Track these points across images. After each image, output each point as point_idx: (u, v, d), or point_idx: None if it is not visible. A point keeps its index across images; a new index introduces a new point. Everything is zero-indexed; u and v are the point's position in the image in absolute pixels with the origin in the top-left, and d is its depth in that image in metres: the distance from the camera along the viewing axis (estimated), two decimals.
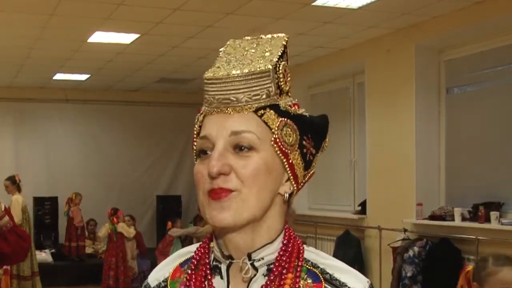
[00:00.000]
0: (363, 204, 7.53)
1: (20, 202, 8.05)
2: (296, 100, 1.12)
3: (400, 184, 6.75)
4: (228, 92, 1.03)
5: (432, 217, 6.33)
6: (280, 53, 1.07)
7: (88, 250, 10.52)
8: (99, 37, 7.07)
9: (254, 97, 1.03)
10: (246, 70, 1.03)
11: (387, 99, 6.99)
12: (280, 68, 1.06)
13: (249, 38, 1.14)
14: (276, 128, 1.04)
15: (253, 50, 1.09)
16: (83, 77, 9.91)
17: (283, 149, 1.05)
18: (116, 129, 11.50)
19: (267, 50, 1.08)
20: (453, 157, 6.56)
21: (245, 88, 1.03)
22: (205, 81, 1.05)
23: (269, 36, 1.12)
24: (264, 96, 1.04)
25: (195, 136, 1.10)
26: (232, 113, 1.04)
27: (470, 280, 2.87)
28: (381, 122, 7.09)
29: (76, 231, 10.08)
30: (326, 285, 1.08)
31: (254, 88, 1.03)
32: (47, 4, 5.80)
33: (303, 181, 1.12)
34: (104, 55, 8.18)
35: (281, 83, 1.07)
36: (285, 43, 1.10)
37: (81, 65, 8.88)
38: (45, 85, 10.67)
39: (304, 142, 1.08)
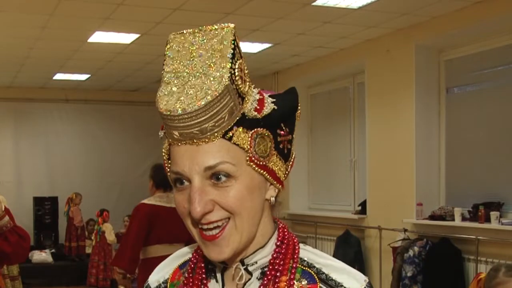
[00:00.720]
0: (363, 204, 7.53)
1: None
2: (258, 90, 1.05)
3: (400, 184, 6.75)
4: (190, 126, 0.96)
5: (432, 217, 6.33)
6: (231, 55, 0.97)
7: (88, 250, 10.52)
8: (99, 37, 7.07)
9: (219, 122, 0.96)
10: (203, 102, 0.94)
11: (387, 99, 6.99)
12: (236, 73, 0.97)
13: (191, 32, 1.04)
14: (248, 147, 0.99)
15: (201, 52, 1.00)
16: (83, 77, 9.91)
17: (260, 163, 1.01)
18: (116, 129, 11.50)
19: (216, 52, 0.99)
20: (453, 157, 6.56)
21: (208, 117, 0.95)
22: (161, 115, 0.97)
23: (214, 27, 1.02)
24: (227, 117, 0.97)
25: (165, 160, 1.05)
26: (200, 144, 0.97)
27: None
28: (381, 122, 7.09)
29: (76, 231, 10.10)
30: (322, 286, 1.06)
31: (216, 113, 0.95)
32: (47, 4, 5.80)
33: (287, 172, 1.09)
34: (104, 55, 8.18)
35: (241, 89, 0.98)
36: (233, 38, 0.99)
37: (81, 65, 8.88)
38: (45, 85, 10.67)
39: (279, 138, 1.04)
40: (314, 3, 5.75)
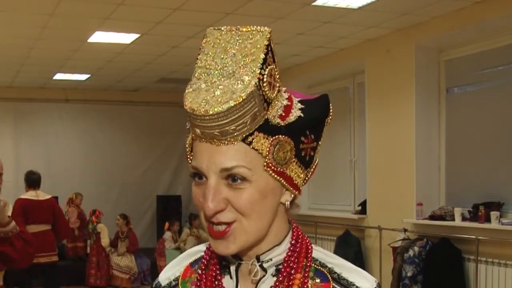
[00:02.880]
0: (363, 204, 7.53)
1: None
2: (287, 95, 1.05)
3: (400, 184, 6.75)
4: (212, 127, 0.97)
5: (432, 217, 6.33)
6: (262, 61, 0.98)
7: (89, 250, 10.53)
8: (99, 37, 7.07)
9: (240, 126, 0.97)
10: (225, 107, 0.95)
11: (387, 99, 6.99)
12: (265, 79, 0.98)
13: (228, 29, 1.04)
14: (267, 153, 1.00)
15: (234, 53, 1.01)
16: (83, 77, 9.91)
17: (277, 170, 1.02)
18: (116, 129, 11.50)
19: (248, 55, 0.99)
20: (453, 157, 6.56)
21: (228, 121, 0.96)
22: (186, 110, 1.00)
23: (251, 28, 1.02)
24: (249, 121, 0.98)
25: (188, 151, 1.07)
26: (219, 144, 0.99)
27: None
28: (381, 122, 7.09)
29: (73, 232, 10.08)
30: (334, 285, 1.08)
31: (239, 117, 0.96)
32: (47, 4, 5.80)
33: (306, 179, 1.10)
34: (104, 55, 8.18)
35: (267, 94, 0.99)
36: (267, 42, 1.00)
37: (81, 65, 8.88)
38: (45, 85, 10.67)
39: (301, 145, 1.05)
40: (314, 3, 5.75)
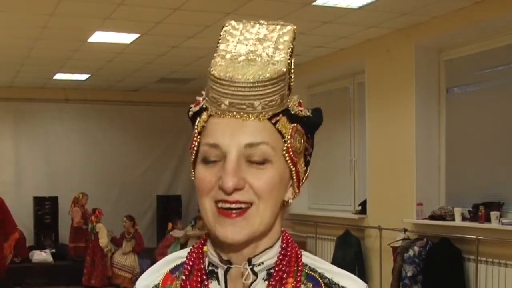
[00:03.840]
0: (363, 204, 7.53)
1: None
2: (297, 96, 1.07)
3: (400, 184, 6.75)
4: (243, 97, 0.95)
5: (432, 217, 6.33)
6: (291, 51, 1.00)
7: None
8: (99, 37, 7.07)
9: (270, 104, 0.96)
10: (268, 75, 0.94)
11: (387, 99, 6.99)
12: (292, 66, 1.01)
13: (250, 22, 1.04)
14: (289, 137, 1.00)
15: (261, 40, 1.01)
16: (83, 77, 9.91)
17: (294, 158, 1.01)
18: (116, 129, 11.50)
19: (280, 43, 1.00)
20: (453, 157, 6.56)
21: (261, 94, 0.95)
22: (213, 78, 0.96)
23: (275, 22, 1.03)
24: (278, 102, 0.97)
25: (195, 135, 1.02)
26: (245, 119, 0.96)
27: None
28: (381, 122, 7.09)
29: (75, 232, 10.10)
30: None
31: (269, 94, 0.96)
32: (47, 4, 5.80)
33: (302, 183, 1.10)
34: (104, 55, 8.18)
35: (292, 83, 1.02)
36: (294, 37, 1.02)
37: (81, 65, 8.88)
38: (45, 85, 10.67)
39: (306, 144, 1.06)
40: (314, 3, 5.75)
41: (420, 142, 6.56)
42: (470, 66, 6.41)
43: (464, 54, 6.43)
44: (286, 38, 1.01)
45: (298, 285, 1.05)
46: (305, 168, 1.07)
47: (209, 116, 1.00)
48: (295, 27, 1.02)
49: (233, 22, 1.04)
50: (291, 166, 1.01)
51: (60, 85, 10.59)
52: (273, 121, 0.99)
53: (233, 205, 0.97)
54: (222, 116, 0.98)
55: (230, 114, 0.97)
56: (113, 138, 11.46)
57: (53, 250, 10.32)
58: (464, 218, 6.05)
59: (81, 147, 11.27)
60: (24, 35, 7.04)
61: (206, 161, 0.99)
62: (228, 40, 1.02)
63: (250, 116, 0.96)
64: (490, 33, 6.02)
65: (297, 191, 1.07)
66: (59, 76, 9.75)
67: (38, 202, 10.68)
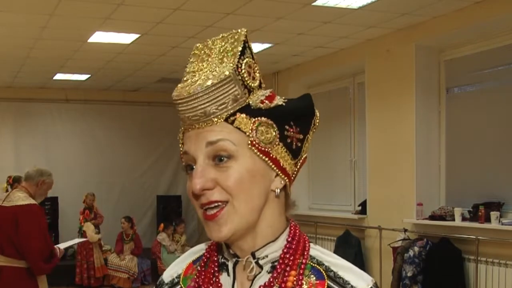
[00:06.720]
0: (363, 204, 7.53)
1: None
2: (270, 90, 1.11)
3: (400, 184, 6.75)
4: (195, 108, 1.05)
5: (432, 217, 6.33)
6: (239, 52, 1.07)
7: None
8: (99, 37, 7.07)
9: (221, 106, 1.05)
10: (205, 84, 1.04)
11: (387, 99, 6.99)
12: (243, 67, 1.06)
13: (214, 39, 1.14)
14: (250, 131, 1.05)
15: (216, 53, 1.10)
16: (83, 77, 9.91)
17: (262, 149, 1.06)
18: (116, 129, 11.50)
19: (228, 52, 1.09)
20: (453, 157, 6.56)
21: (210, 100, 1.04)
22: (174, 100, 1.08)
23: (231, 32, 1.12)
24: (230, 103, 1.05)
25: (181, 150, 1.13)
26: (205, 126, 1.05)
27: None
28: (381, 122, 7.09)
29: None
30: (330, 283, 1.09)
31: (219, 98, 1.04)
32: (47, 4, 5.80)
33: (295, 170, 1.13)
34: (104, 55, 8.18)
35: (247, 82, 1.07)
36: (244, 39, 1.09)
37: (81, 65, 8.88)
38: (45, 85, 10.67)
39: (286, 133, 1.09)
40: (314, 3, 5.75)
41: (420, 142, 6.56)
42: (470, 66, 6.41)
43: (464, 54, 6.44)
44: (236, 43, 1.09)
45: (300, 278, 1.08)
46: (289, 155, 1.10)
47: (183, 132, 1.11)
48: (245, 29, 1.10)
49: (198, 44, 1.15)
50: (262, 156, 1.06)
51: (60, 85, 10.59)
52: (230, 121, 1.05)
53: (212, 205, 1.05)
54: (190, 129, 1.08)
55: (193, 127, 1.07)
56: (113, 138, 11.46)
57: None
58: (464, 218, 6.05)
59: (81, 147, 11.26)
60: (24, 35, 7.04)
61: (187, 171, 1.09)
62: (192, 62, 1.13)
63: (208, 123, 1.05)
64: (490, 33, 6.03)
65: (285, 179, 1.10)
66: (59, 76, 9.75)
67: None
